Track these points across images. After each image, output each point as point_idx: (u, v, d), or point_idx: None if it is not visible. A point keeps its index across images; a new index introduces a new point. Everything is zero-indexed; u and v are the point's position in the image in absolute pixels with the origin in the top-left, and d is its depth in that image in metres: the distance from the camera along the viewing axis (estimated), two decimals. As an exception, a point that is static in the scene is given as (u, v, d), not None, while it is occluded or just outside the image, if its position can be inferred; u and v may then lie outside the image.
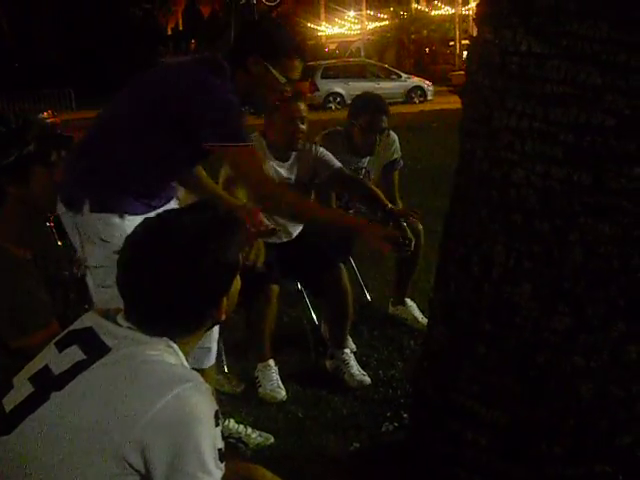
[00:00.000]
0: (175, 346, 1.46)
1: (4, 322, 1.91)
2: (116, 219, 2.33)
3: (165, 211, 1.76)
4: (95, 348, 1.43)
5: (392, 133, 4.12)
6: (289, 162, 3.51)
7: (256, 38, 2.52)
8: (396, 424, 2.99)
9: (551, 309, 2.08)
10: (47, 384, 1.42)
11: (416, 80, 24.35)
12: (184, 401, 1.34)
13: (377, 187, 4.21)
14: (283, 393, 3.26)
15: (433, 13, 36.87)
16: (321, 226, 2.93)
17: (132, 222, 2.35)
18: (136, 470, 1.33)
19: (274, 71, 2.45)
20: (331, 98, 22.65)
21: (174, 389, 1.33)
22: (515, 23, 2.06)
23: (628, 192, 1.96)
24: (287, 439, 2.92)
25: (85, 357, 1.42)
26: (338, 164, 3.58)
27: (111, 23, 30.44)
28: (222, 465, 1.38)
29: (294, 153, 3.50)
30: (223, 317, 1.54)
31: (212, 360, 2.67)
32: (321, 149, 3.60)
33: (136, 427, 1.30)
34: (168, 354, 1.44)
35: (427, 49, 38.17)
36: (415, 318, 4.04)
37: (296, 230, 3.59)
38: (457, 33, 34.97)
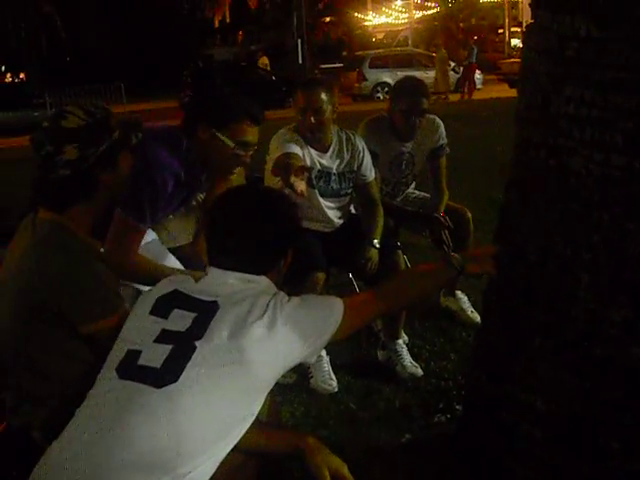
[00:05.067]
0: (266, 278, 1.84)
1: (77, 308, 1.94)
2: None
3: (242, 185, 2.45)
4: (195, 305, 1.69)
5: (437, 119, 4.09)
6: (329, 153, 3.48)
7: (203, 106, 2.60)
8: (448, 415, 2.98)
9: (609, 300, 2.03)
10: (184, 338, 1.63)
11: (465, 69, 23.99)
12: (296, 319, 1.74)
13: (423, 173, 4.21)
14: (335, 384, 3.27)
15: (482, 0, 36.39)
16: None
17: None
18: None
19: (222, 137, 2.52)
20: (379, 88, 22.43)
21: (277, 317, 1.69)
22: (573, 8, 2.01)
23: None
24: (338, 430, 2.93)
25: (196, 313, 1.66)
26: (370, 178, 3.59)
27: (159, 16, 30.78)
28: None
29: (333, 143, 3.48)
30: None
31: None
32: (358, 140, 3.57)
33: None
34: (265, 286, 1.82)
35: (476, 37, 37.70)
36: (464, 310, 4.03)
37: (339, 218, 3.59)
38: (506, 20, 34.49)
